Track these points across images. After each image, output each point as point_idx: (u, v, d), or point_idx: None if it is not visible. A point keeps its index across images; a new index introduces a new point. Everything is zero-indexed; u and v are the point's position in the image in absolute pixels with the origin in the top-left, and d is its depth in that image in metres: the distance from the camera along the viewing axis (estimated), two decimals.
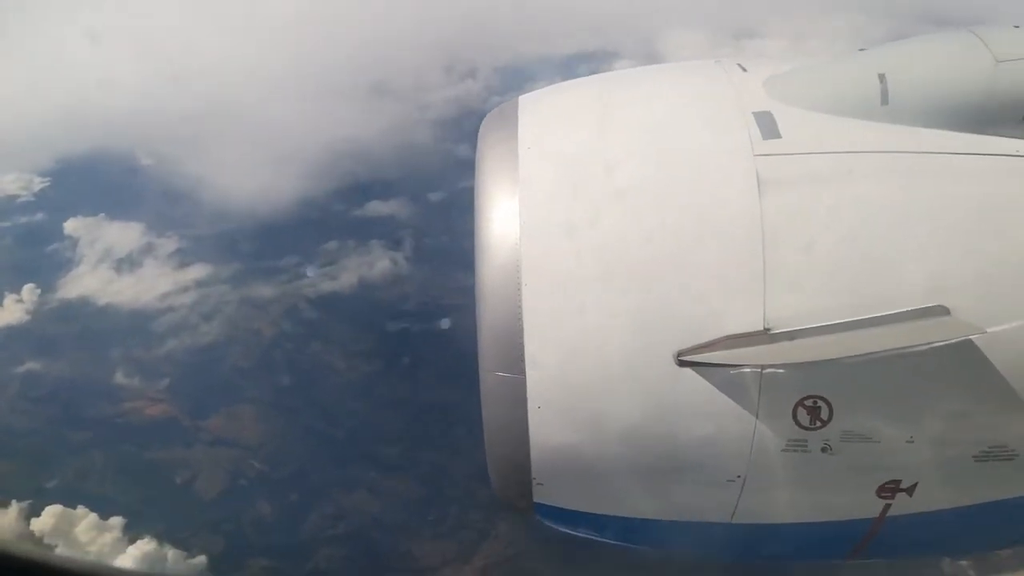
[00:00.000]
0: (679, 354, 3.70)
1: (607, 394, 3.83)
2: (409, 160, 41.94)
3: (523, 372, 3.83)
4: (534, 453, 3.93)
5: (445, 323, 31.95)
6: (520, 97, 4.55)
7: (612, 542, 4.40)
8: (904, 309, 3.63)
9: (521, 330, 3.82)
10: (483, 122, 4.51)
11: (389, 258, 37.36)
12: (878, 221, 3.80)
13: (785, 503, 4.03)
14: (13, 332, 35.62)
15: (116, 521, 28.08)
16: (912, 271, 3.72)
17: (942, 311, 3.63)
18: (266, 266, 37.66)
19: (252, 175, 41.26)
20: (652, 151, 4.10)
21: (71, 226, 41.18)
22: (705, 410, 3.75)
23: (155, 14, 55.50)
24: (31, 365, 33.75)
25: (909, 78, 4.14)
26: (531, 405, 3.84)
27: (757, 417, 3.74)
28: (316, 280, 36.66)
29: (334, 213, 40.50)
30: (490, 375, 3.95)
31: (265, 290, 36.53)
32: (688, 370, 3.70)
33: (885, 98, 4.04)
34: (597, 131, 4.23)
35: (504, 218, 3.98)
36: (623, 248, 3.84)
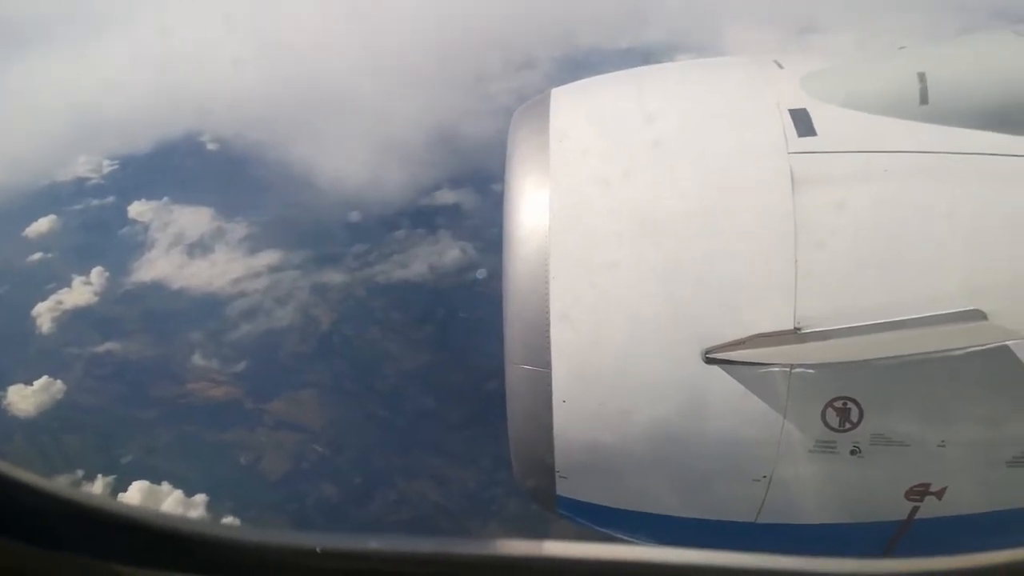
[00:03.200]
0: (707, 351, 3.69)
1: (633, 389, 3.84)
2: (471, 150, 41.85)
3: (549, 365, 3.84)
4: (558, 446, 3.94)
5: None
6: (552, 90, 4.54)
7: (634, 538, 4.39)
8: (939, 312, 3.58)
9: (548, 323, 3.83)
10: (515, 115, 4.51)
11: (459, 247, 37.37)
12: (914, 222, 3.76)
13: (811, 504, 4.00)
14: (80, 314, 36.10)
15: (200, 498, 28.45)
16: (948, 274, 3.67)
17: (978, 315, 3.58)
18: (336, 253, 37.87)
19: (327, 163, 41.54)
20: (684, 147, 4.08)
21: (136, 210, 41.51)
22: (732, 408, 3.75)
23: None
24: (107, 346, 34.37)
25: (950, 77, 4.07)
26: (556, 398, 3.85)
27: (785, 417, 3.72)
28: (387, 268, 36.72)
29: (402, 202, 40.59)
30: (516, 367, 3.97)
31: (335, 276, 36.77)
32: (716, 367, 3.70)
33: (924, 97, 3.96)
34: (629, 126, 4.21)
35: (534, 210, 3.98)
36: (653, 244, 3.83)
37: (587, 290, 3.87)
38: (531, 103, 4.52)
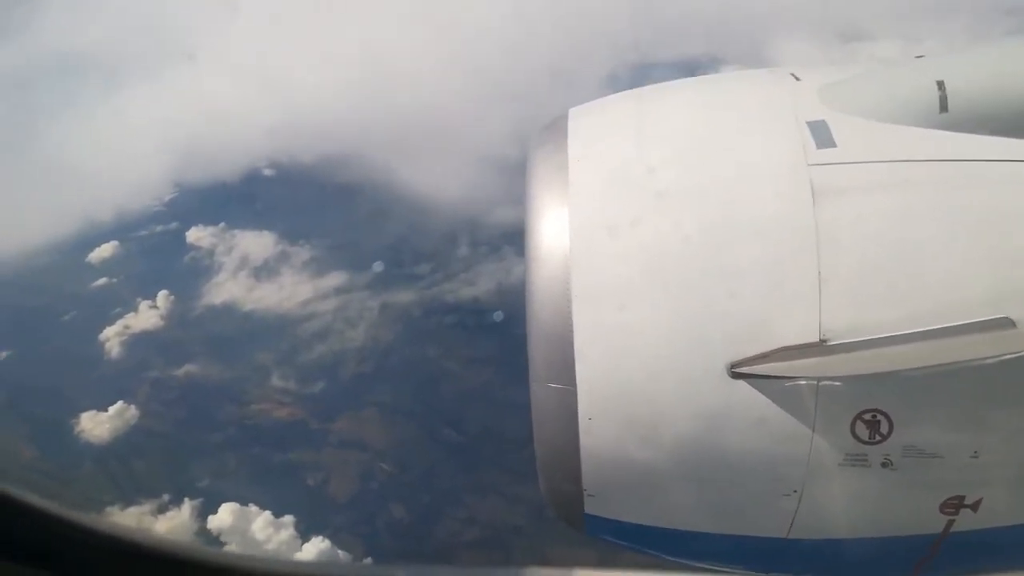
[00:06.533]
0: (732, 365, 3.64)
1: (659, 405, 3.80)
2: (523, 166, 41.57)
3: (574, 383, 3.80)
4: (585, 464, 3.90)
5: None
6: (571, 109, 4.53)
7: (664, 555, 4.36)
8: (967, 321, 3.51)
9: (572, 341, 3.80)
10: (534, 134, 4.48)
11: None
12: (937, 230, 3.69)
13: (844, 518, 3.94)
14: (148, 337, 36.76)
15: (288, 519, 28.82)
16: (975, 281, 3.60)
17: (1007, 323, 3.49)
18: (401, 273, 38.10)
19: (391, 182, 41.75)
20: (704, 161, 4.06)
21: (194, 235, 42.30)
22: (760, 423, 3.70)
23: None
24: (186, 368, 34.97)
25: (968, 85, 4.02)
26: (582, 416, 3.81)
27: (814, 430, 3.66)
28: (455, 286, 36.84)
29: (465, 220, 40.68)
30: (541, 386, 3.92)
31: (402, 296, 36.94)
32: (742, 382, 3.65)
33: (944, 105, 3.92)
34: (647, 142, 4.20)
35: (555, 229, 3.98)
36: (675, 259, 3.80)
37: (610, 307, 3.83)
38: (550, 122, 4.50)
